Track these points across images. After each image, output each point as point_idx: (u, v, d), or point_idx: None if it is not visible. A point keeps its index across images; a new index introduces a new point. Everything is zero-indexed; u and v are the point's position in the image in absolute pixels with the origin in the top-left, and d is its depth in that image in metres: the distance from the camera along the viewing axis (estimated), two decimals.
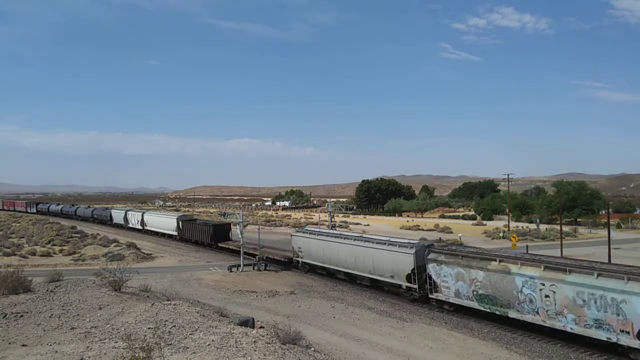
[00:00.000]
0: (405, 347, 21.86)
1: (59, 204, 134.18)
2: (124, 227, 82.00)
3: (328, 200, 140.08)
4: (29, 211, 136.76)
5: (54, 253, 52.39)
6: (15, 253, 50.34)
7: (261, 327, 21.22)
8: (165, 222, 69.74)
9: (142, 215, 77.60)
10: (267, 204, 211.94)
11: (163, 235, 69.19)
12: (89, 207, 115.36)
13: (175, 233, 65.12)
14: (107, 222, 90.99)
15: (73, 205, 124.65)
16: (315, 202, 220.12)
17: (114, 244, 56.13)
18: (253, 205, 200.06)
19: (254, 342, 15.72)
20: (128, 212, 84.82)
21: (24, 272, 28.11)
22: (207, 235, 56.58)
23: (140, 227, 76.28)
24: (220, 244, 54.77)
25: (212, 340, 15.40)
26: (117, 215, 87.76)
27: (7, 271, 27.50)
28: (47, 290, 24.66)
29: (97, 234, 66.62)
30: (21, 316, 19.90)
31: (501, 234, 66.04)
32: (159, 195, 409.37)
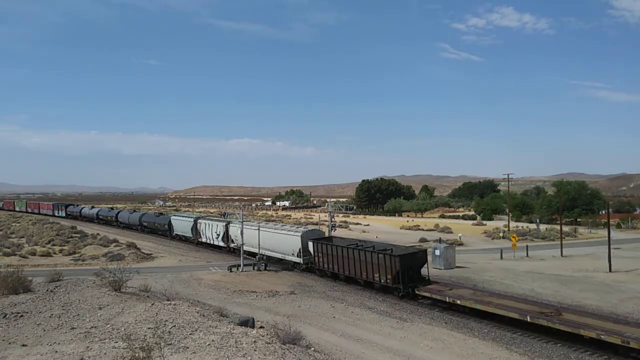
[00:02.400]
0: (405, 347, 21.86)
1: (92, 207, 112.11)
2: (192, 241, 60.94)
3: (328, 200, 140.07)
4: (56, 215, 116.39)
5: (54, 253, 52.35)
6: (15, 253, 50.31)
7: (261, 327, 21.23)
8: (280, 241, 43.43)
9: (226, 227, 52.47)
10: (267, 204, 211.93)
11: (278, 260, 43.76)
12: (134, 211, 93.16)
13: (298, 260, 40.92)
14: (163, 232, 70.46)
15: (112, 209, 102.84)
16: (315, 202, 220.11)
17: (114, 244, 56.12)
18: (253, 205, 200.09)
19: (254, 342, 15.72)
20: (200, 222, 58.97)
21: (24, 272, 28.11)
22: (383, 269, 32.03)
23: (223, 244, 53.38)
24: (415, 290, 30.76)
25: (212, 340, 15.40)
26: (180, 225, 64.61)
27: (7, 271, 27.51)
28: (47, 290, 24.67)
29: (97, 234, 66.57)
30: (21, 316, 19.91)
31: (501, 234, 66.03)
32: (159, 195, 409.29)
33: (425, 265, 33.12)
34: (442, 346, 22.19)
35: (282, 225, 48.74)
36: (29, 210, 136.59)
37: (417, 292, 30.81)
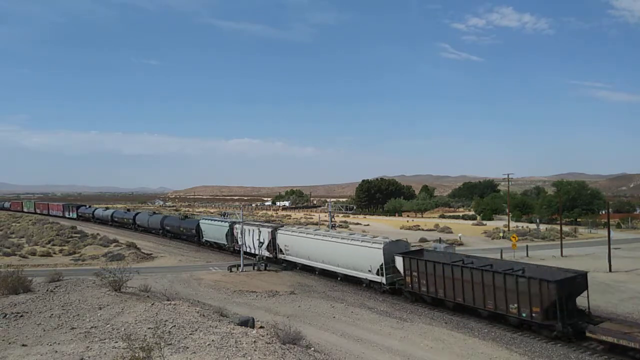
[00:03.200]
0: (405, 347, 21.86)
1: (106, 208, 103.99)
2: (227, 249, 52.54)
3: (328, 200, 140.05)
4: (67, 216, 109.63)
5: (54, 253, 52.36)
6: (15, 253, 50.32)
7: (261, 327, 21.22)
8: (350, 254, 35.59)
9: (272, 234, 44.13)
10: (267, 204, 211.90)
11: (343, 277, 36.62)
12: (154, 213, 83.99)
13: (379, 278, 32.99)
14: (189, 237, 61.95)
15: (129, 211, 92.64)
16: (315, 202, 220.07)
17: (114, 244, 56.12)
18: (253, 205, 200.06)
19: (254, 342, 15.71)
20: (238, 227, 48.09)
21: (24, 272, 28.11)
22: (526, 298, 24.08)
23: (268, 254, 44.24)
24: (585, 331, 22.23)
25: (212, 340, 15.40)
26: (212, 230, 55.82)
27: (7, 271, 27.52)
28: (47, 290, 24.68)
29: (97, 234, 66.58)
30: (21, 316, 19.91)
31: (501, 234, 66.01)
32: (159, 195, 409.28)
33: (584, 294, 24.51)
34: (442, 346, 22.19)
35: (351, 234, 39.91)
36: (38, 211, 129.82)
37: (588, 333, 21.74)
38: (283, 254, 42.97)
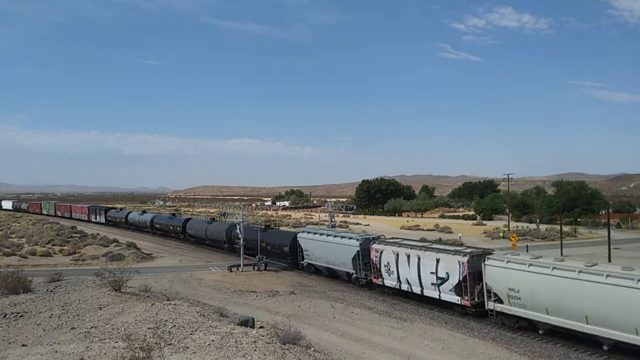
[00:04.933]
0: (406, 347, 21.86)
1: (143, 212, 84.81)
2: (359, 282, 34.79)
3: (328, 200, 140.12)
4: (93, 220, 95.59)
5: (54, 253, 52.38)
6: (15, 253, 50.34)
7: (261, 327, 21.22)
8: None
9: (477, 265, 26.61)
10: (267, 204, 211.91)
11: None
12: (213, 220, 63.61)
13: None
14: (279, 256, 44.22)
15: (174, 216, 75.24)
16: (315, 202, 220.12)
17: (114, 244, 56.11)
18: (253, 205, 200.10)
19: (254, 342, 15.71)
20: (383, 249, 32.54)
21: (24, 272, 28.19)
22: None
23: (456, 301, 27.63)
24: None
25: (212, 340, 15.40)
26: (326, 252, 38.03)
27: (7, 271, 27.57)
28: (47, 290, 24.71)
29: (97, 234, 66.58)
30: (21, 316, 19.93)
31: (501, 234, 66.02)
32: (159, 195, 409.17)
33: None
34: (442, 346, 22.19)
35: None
36: (59, 214, 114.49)
37: None
38: (515, 306, 24.50)
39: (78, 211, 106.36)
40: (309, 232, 42.16)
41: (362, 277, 34.50)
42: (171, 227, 68.23)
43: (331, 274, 38.41)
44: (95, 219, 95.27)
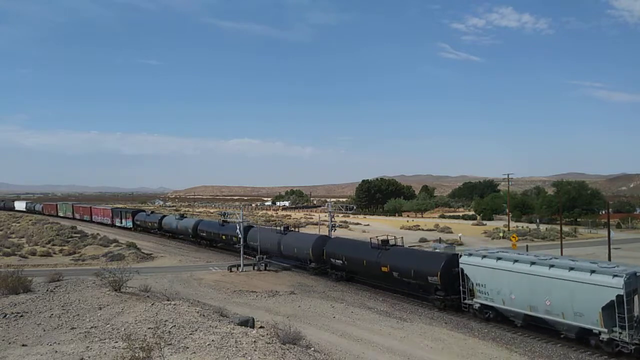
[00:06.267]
0: (406, 347, 21.85)
1: (182, 216, 69.19)
2: (608, 346, 20.76)
3: (328, 200, 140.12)
4: (117, 225, 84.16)
5: (54, 253, 52.36)
6: (15, 253, 50.33)
7: (261, 327, 21.22)
8: None
9: None
10: (267, 204, 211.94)
11: None
12: (287, 229, 45.50)
13: None
14: (412, 288, 31.52)
15: (226, 223, 53.04)
16: (315, 202, 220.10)
17: (114, 244, 56.10)
18: (253, 205, 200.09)
19: (254, 342, 15.71)
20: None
21: (24, 272, 28.18)
22: None
23: None
24: None
25: (212, 340, 15.39)
26: (510, 285, 24.65)
27: (7, 271, 27.57)
28: (47, 290, 24.70)
29: (97, 233, 66.57)
30: (21, 316, 19.92)
31: (501, 234, 66.02)
32: (159, 195, 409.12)
33: None
34: (442, 346, 22.19)
35: None
36: (77, 216, 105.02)
37: None
38: None
39: (100, 214, 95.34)
40: (484, 257, 26.68)
41: (628, 341, 20.05)
42: (223, 237, 52.09)
43: (537, 326, 24.24)
44: (121, 223, 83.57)
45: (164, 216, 73.24)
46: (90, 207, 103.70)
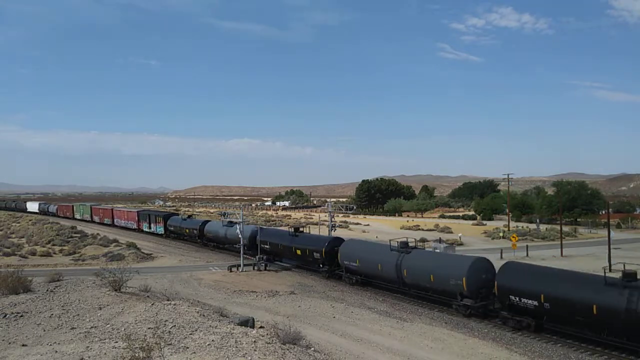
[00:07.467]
0: (406, 347, 21.85)
1: (230, 223, 51.94)
2: None
3: (328, 200, 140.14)
4: (144, 230, 72.57)
5: (54, 253, 52.36)
6: (15, 253, 50.34)
7: (261, 327, 21.21)
8: None
9: None
10: (267, 204, 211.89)
11: None
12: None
13: None
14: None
15: (299, 232, 42.60)
16: (315, 202, 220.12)
17: (114, 244, 56.10)
18: (253, 205, 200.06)
19: (254, 342, 15.70)
20: None
21: (24, 272, 28.17)
22: None
23: None
24: None
25: (212, 340, 15.39)
26: None
27: (7, 271, 27.56)
28: (47, 290, 24.69)
29: (97, 234, 66.56)
30: (21, 316, 19.92)
31: (501, 234, 66.03)
32: (159, 195, 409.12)
33: None
34: (442, 346, 22.19)
35: None
36: (96, 219, 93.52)
37: None
38: None
39: (123, 217, 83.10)
40: None
41: None
42: (299, 253, 40.68)
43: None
44: (149, 228, 71.01)
45: (207, 221, 60.89)
46: (112, 209, 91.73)
